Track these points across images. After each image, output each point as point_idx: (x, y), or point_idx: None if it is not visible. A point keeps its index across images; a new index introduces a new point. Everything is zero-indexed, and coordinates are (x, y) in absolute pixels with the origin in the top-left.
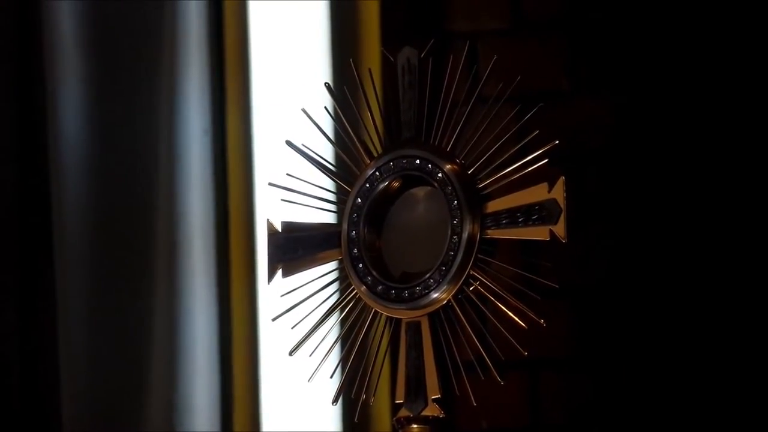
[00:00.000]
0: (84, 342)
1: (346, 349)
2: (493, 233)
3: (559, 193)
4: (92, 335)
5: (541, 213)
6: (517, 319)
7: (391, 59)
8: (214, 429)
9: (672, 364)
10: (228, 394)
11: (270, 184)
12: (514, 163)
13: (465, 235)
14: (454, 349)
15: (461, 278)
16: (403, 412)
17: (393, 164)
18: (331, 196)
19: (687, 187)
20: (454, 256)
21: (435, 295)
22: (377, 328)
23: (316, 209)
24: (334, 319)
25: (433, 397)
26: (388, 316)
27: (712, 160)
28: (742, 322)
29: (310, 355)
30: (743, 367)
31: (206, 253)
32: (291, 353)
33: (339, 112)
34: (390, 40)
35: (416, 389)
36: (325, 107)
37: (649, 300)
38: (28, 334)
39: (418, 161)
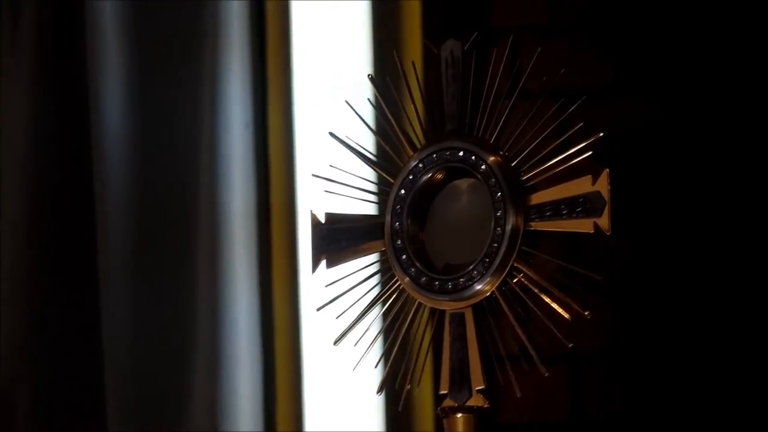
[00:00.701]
0: (127, 332)
1: (390, 339)
2: (537, 225)
3: (603, 185)
4: (136, 326)
5: (585, 205)
6: (561, 310)
7: (435, 51)
8: (257, 418)
9: (712, 358)
10: (271, 385)
11: (313, 175)
12: (558, 156)
13: (509, 227)
14: (498, 340)
15: (505, 270)
16: (448, 402)
17: (436, 156)
18: (374, 188)
19: (726, 182)
20: (498, 248)
21: (479, 287)
22: (421, 319)
23: (360, 201)
24: (378, 310)
25: (478, 387)
26: (431, 308)
27: (755, 153)
28: None
29: (355, 345)
30: None
31: (248, 245)
32: (335, 343)
33: (382, 103)
34: (432, 34)
35: (460, 380)
36: (368, 99)
37: (689, 294)
38: (71, 325)
39: (461, 153)
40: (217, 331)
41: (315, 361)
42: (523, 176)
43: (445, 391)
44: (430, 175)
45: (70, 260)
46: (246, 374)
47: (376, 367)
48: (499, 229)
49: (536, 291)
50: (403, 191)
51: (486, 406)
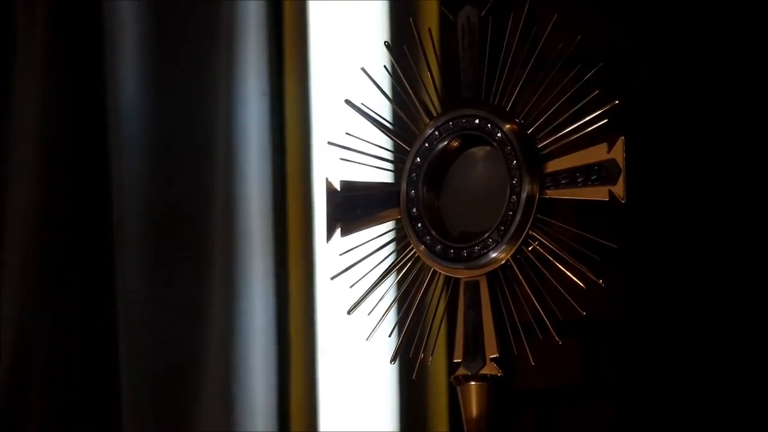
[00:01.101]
0: (144, 288)
1: (404, 308)
2: (552, 193)
3: (618, 153)
4: (153, 287)
5: (601, 173)
6: (575, 278)
7: (451, 18)
8: (271, 388)
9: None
10: (285, 354)
11: (329, 143)
12: (574, 123)
13: (524, 195)
14: (513, 308)
15: (520, 238)
16: (461, 371)
17: (452, 124)
18: (390, 156)
19: (744, 149)
20: (513, 216)
21: (494, 255)
22: (435, 287)
23: (375, 168)
24: (393, 278)
25: (491, 356)
26: (446, 276)
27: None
28: None
29: (369, 314)
30: None
31: (264, 213)
32: (349, 312)
33: (398, 71)
34: (449, 1)
35: (474, 348)
36: (385, 66)
37: (704, 262)
38: (88, 313)
39: (477, 121)
40: (232, 298)
41: (329, 330)
42: (538, 144)
43: (459, 360)
44: (446, 142)
45: (84, 240)
46: (260, 339)
47: (390, 336)
48: (514, 197)
49: (551, 259)
50: (418, 159)
51: (500, 374)
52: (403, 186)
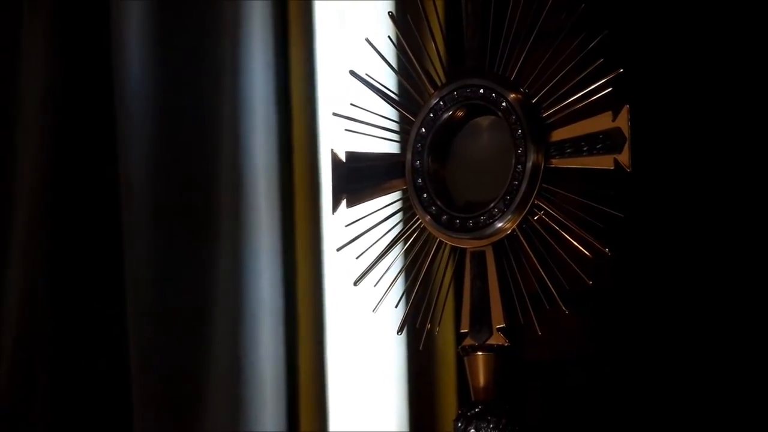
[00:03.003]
0: (151, 262)
1: (410, 278)
2: (558, 162)
3: (623, 121)
4: (161, 264)
5: (606, 142)
6: (581, 248)
7: None
8: (279, 361)
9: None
10: (292, 325)
11: (334, 114)
12: (578, 92)
13: (529, 165)
14: (519, 278)
15: (525, 208)
16: (468, 341)
17: (457, 94)
18: (395, 126)
19: (750, 116)
20: (519, 186)
21: (499, 225)
22: (441, 257)
23: (380, 139)
24: (399, 249)
25: (498, 326)
26: (452, 246)
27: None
28: None
29: (375, 285)
30: None
31: (270, 185)
32: (356, 283)
33: (402, 41)
34: None
35: (481, 318)
36: (389, 37)
37: (710, 232)
38: (96, 296)
39: (482, 90)
40: (240, 270)
41: (336, 302)
42: (543, 113)
43: (466, 330)
44: (450, 112)
45: (92, 221)
46: (268, 312)
47: (396, 306)
48: (519, 166)
49: (557, 228)
50: (423, 129)
51: (506, 344)
52: (408, 156)
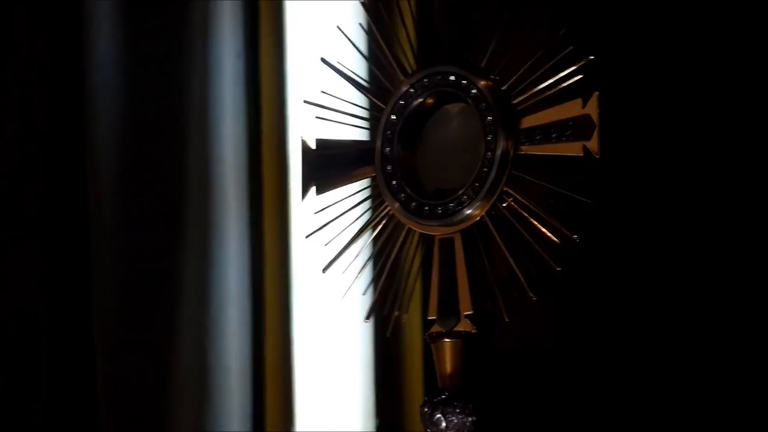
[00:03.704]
0: (117, 251)
1: (378, 265)
2: (527, 149)
3: (593, 108)
4: (126, 253)
5: (575, 129)
6: (550, 235)
7: None
8: (246, 349)
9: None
10: (259, 313)
11: (304, 101)
12: (548, 79)
13: (499, 152)
14: (487, 265)
15: (494, 194)
16: (436, 328)
17: (427, 81)
18: (365, 113)
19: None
20: (488, 173)
21: (468, 212)
22: (410, 244)
23: (350, 126)
24: (367, 236)
25: (466, 313)
26: (421, 233)
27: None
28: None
29: (343, 273)
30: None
31: (239, 173)
32: (324, 270)
33: (374, 29)
34: None
35: (449, 305)
36: (360, 24)
37: (679, 219)
38: (59, 268)
39: (452, 77)
40: (207, 258)
41: (304, 289)
42: (513, 100)
43: (434, 317)
44: (421, 100)
45: (58, 206)
46: (235, 299)
47: (364, 294)
48: (489, 153)
49: (526, 215)
50: (393, 116)
51: (474, 331)
52: (378, 143)
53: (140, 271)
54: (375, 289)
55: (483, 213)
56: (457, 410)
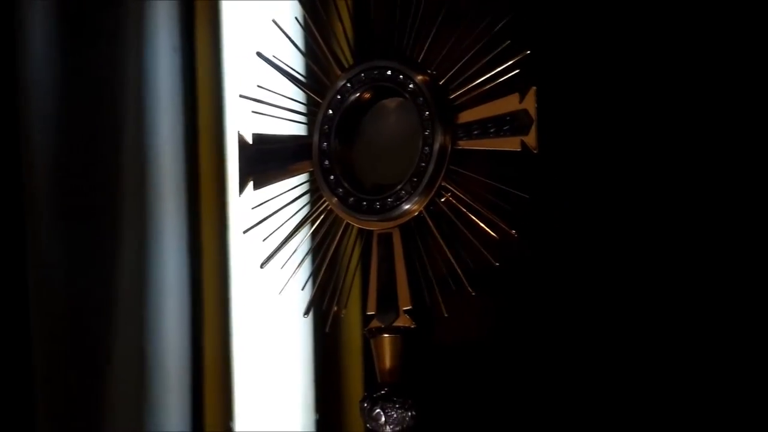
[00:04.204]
0: (55, 247)
1: (317, 261)
2: (465, 144)
3: (530, 103)
4: (63, 245)
5: (513, 123)
6: (488, 229)
7: None
8: (185, 342)
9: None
10: (198, 309)
11: (241, 96)
12: (486, 74)
13: (436, 146)
14: (426, 260)
15: (433, 189)
16: (375, 323)
17: (364, 75)
18: (303, 108)
19: (652, 94)
20: (426, 168)
21: (406, 207)
22: (349, 240)
23: (288, 121)
24: (305, 231)
25: (405, 308)
26: (359, 228)
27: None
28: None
29: (282, 268)
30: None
31: (176, 168)
32: (262, 266)
33: (310, 23)
34: None
35: (388, 301)
36: (296, 18)
37: (619, 213)
38: None
39: (389, 72)
40: (145, 254)
41: (242, 284)
42: (451, 95)
43: (373, 312)
44: (358, 94)
45: None
46: (173, 294)
47: (303, 289)
48: (426, 148)
49: (464, 210)
50: (331, 111)
51: (413, 326)
52: (315, 138)
53: (77, 265)
54: (314, 284)
55: (421, 208)
56: (397, 405)
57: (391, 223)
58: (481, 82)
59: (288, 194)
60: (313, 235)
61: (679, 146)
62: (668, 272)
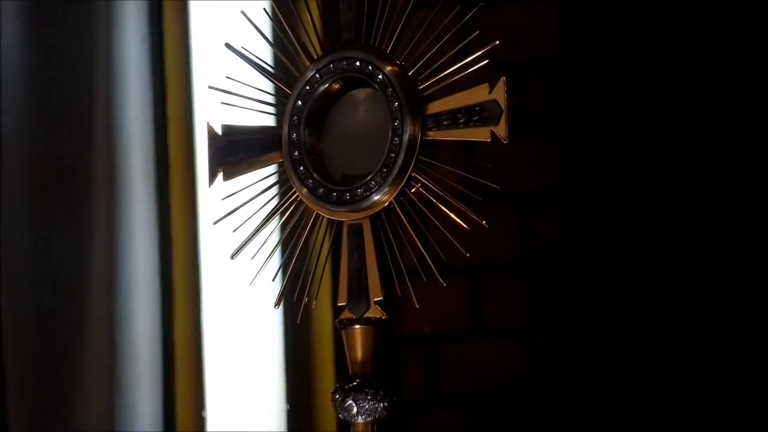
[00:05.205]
0: (25, 238)
1: (287, 252)
2: (435, 135)
3: (500, 93)
4: (33, 237)
5: (482, 114)
6: (459, 220)
7: None
8: (155, 335)
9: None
10: (168, 300)
11: (210, 87)
12: (455, 64)
13: (406, 137)
14: (397, 251)
15: (403, 180)
16: (346, 314)
17: (333, 66)
18: (272, 99)
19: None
20: (396, 158)
21: (376, 197)
22: (319, 231)
23: (257, 112)
24: (276, 222)
25: (375, 299)
26: (329, 219)
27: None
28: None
29: (252, 259)
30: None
31: (146, 159)
32: (233, 257)
33: (278, 13)
34: None
35: (358, 291)
36: (264, 9)
37: (595, 202)
38: None
39: (358, 63)
40: (114, 245)
41: (213, 276)
42: (420, 85)
43: (343, 303)
44: (327, 85)
45: None
46: (143, 289)
47: (273, 280)
48: (396, 138)
49: (434, 201)
50: (299, 102)
51: (384, 317)
52: (285, 129)
53: (45, 256)
54: (284, 275)
55: (391, 199)
56: (369, 396)
57: (361, 214)
58: (450, 72)
59: (258, 185)
60: (284, 226)
61: (685, 145)
62: (674, 270)
